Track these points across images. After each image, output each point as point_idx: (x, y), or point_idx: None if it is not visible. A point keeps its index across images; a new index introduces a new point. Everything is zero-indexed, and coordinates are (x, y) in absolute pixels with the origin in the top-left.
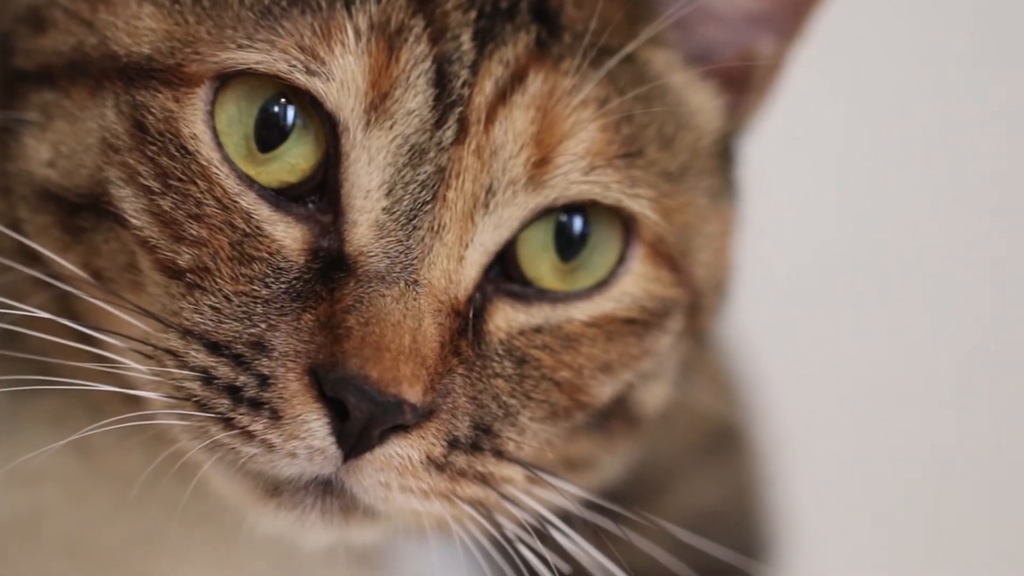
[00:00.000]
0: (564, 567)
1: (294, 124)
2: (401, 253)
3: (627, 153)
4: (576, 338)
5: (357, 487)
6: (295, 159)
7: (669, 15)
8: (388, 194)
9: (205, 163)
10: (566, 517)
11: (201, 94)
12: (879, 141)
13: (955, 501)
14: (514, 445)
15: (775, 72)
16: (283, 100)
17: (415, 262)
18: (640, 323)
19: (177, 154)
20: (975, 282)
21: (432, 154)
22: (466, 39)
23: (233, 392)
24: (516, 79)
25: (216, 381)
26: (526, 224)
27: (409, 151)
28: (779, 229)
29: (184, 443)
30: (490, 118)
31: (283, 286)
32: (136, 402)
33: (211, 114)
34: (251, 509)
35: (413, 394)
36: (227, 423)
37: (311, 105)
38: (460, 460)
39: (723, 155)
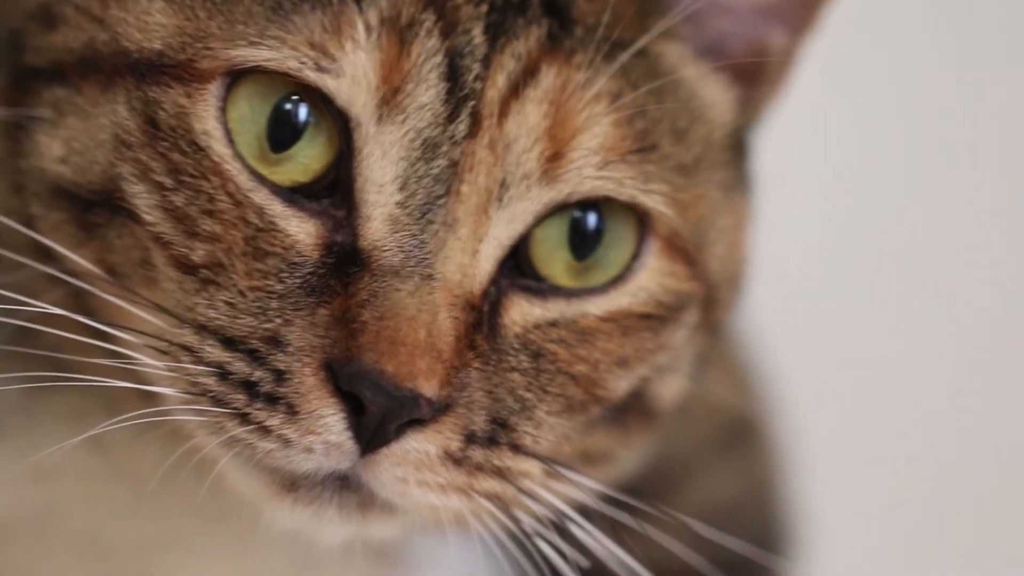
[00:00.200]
0: (582, 561)
1: (307, 122)
2: (415, 247)
3: (641, 148)
4: (592, 332)
5: (374, 482)
6: (308, 160)
7: (681, 9)
8: (402, 188)
9: (217, 159)
10: (583, 511)
11: (213, 90)
12: (895, 133)
13: (975, 493)
14: (531, 439)
15: (787, 65)
16: (295, 97)
17: (429, 256)
18: (656, 317)
19: (189, 150)
20: (994, 274)
21: (445, 148)
22: (477, 33)
23: (249, 387)
24: (528, 73)
25: (232, 376)
26: (540, 219)
27: (422, 145)
28: (793, 222)
29: (200, 439)
30: (503, 112)
31: (297, 281)
32: (152, 398)
33: (223, 111)
34: (268, 505)
35: (429, 388)
36: (243, 418)
37: (322, 102)
38: (477, 454)
39: (736, 148)
